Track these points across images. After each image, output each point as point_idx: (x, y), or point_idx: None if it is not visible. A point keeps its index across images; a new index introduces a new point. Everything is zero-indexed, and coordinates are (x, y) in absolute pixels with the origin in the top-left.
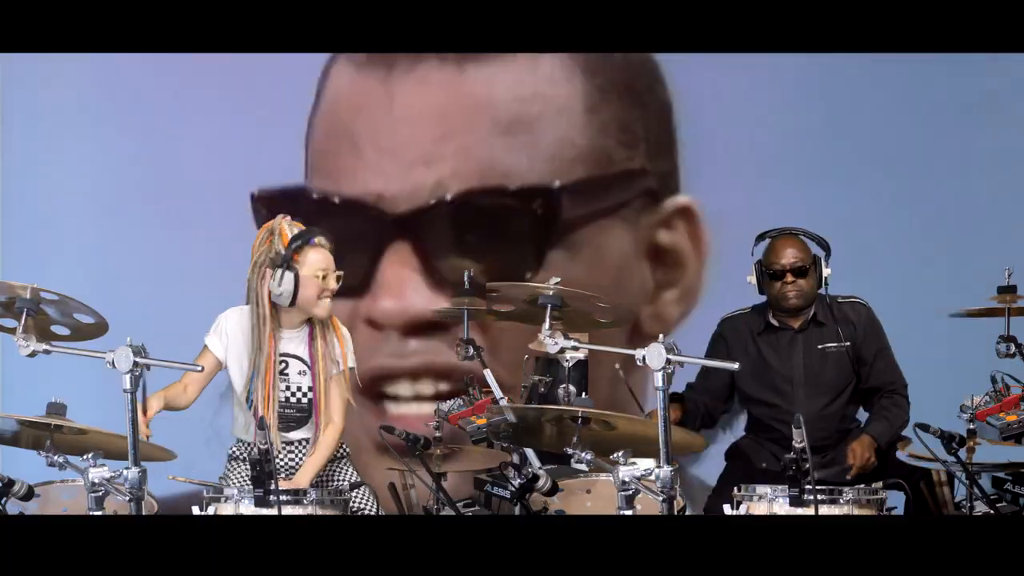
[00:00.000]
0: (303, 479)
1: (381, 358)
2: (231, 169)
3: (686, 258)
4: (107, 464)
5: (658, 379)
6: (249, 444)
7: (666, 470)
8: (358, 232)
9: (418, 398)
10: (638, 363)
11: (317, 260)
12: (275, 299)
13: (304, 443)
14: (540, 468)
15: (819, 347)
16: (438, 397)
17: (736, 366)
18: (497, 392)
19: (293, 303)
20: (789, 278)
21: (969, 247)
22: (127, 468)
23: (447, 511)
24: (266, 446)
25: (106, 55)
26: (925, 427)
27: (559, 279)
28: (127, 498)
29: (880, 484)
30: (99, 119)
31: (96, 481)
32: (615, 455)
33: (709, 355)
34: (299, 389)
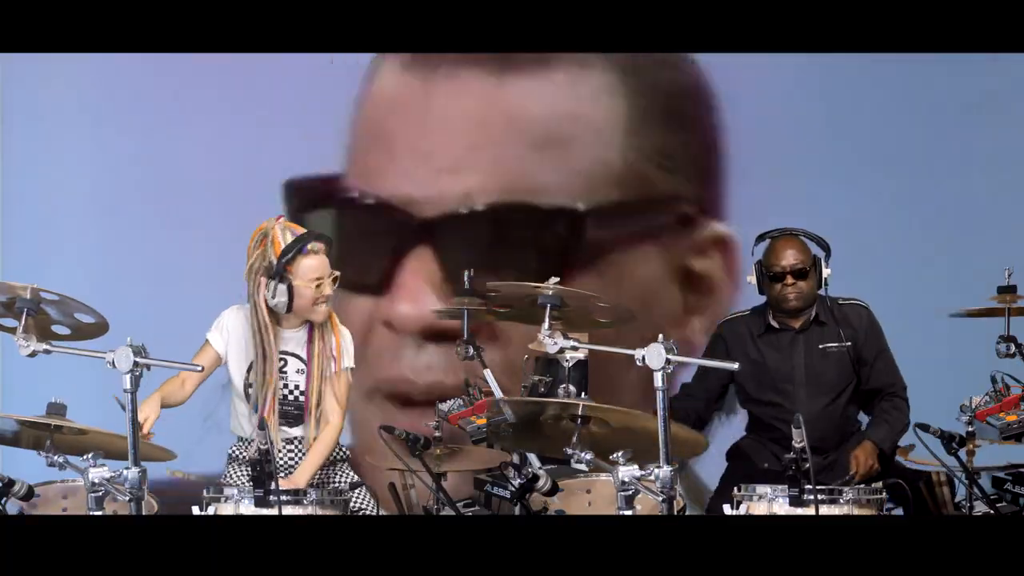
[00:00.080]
0: (301, 478)
1: (400, 367)
2: (231, 169)
3: (718, 286)
4: (107, 464)
5: (658, 379)
6: (248, 442)
7: (666, 470)
8: (383, 231)
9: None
10: (638, 363)
11: (310, 268)
12: (271, 307)
13: (302, 441)
14: (540, 468)
15: (820, 347)
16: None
17: (736, 366)
18: (497, 392)
19: (290, 310)
20: (789, 280)
21: (969, 247)
22: (127, 468)
23: (447, 511)
24: (266, 446)
25: (106, 55)
26: (925, 427)
27: (558, 279)
28: (127, 498)
29: (880, 484)
30: (99, 119)
31: (96, 481)
32: (615, 455)
33: (708, 356)
34: (296, 387)
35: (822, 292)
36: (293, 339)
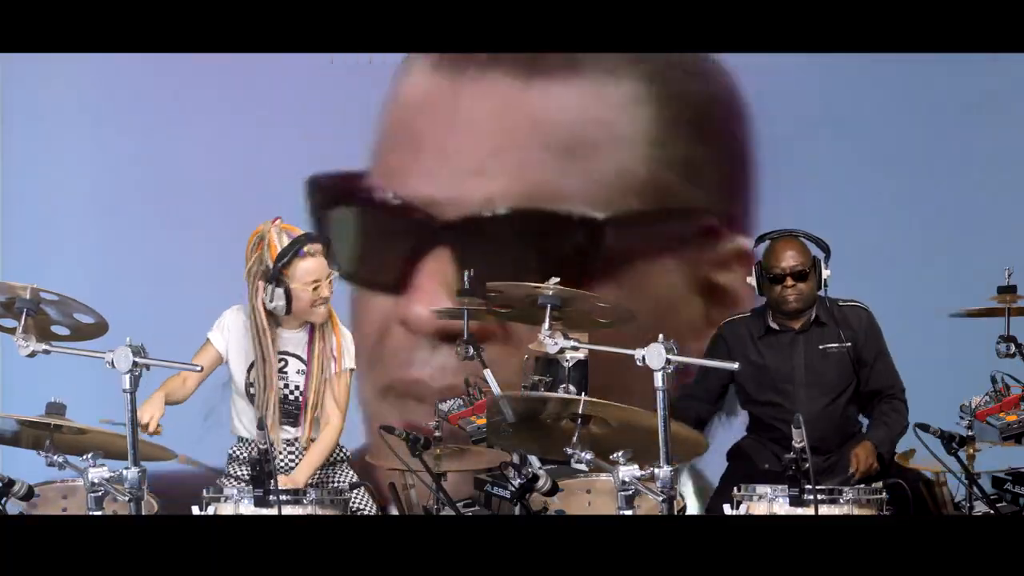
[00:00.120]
0: (299, 478)
1: (414, 368)
2: (231, 169)
3: (742, 300)
4: (107, 464)
5: (658, 379)
6: (249, 442)
7: (666, 470)
8: (403, 231)
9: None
10: (638, 363)
11: (307, 271)
12: (270, 310)
13: (302, 442)
14: (540, 468)
15: (820, 347)
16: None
17: (735, 366)
18: (497, 392)
19: (288, 313)
20: (789, 282)
21: (969, 247)
22: (127, 468)
23: (447, 511)
24: (266, 446)
25: (106, 55)
26: (925, 427)
27: (559, 279)
28: (127, 498)
29: (880, 484)
30: (99, 119)
31: (96, 481)
32: (615, 455)
33: (709, 356)
34: (296, 388)
35: (822, 293)
36: (294, 339)
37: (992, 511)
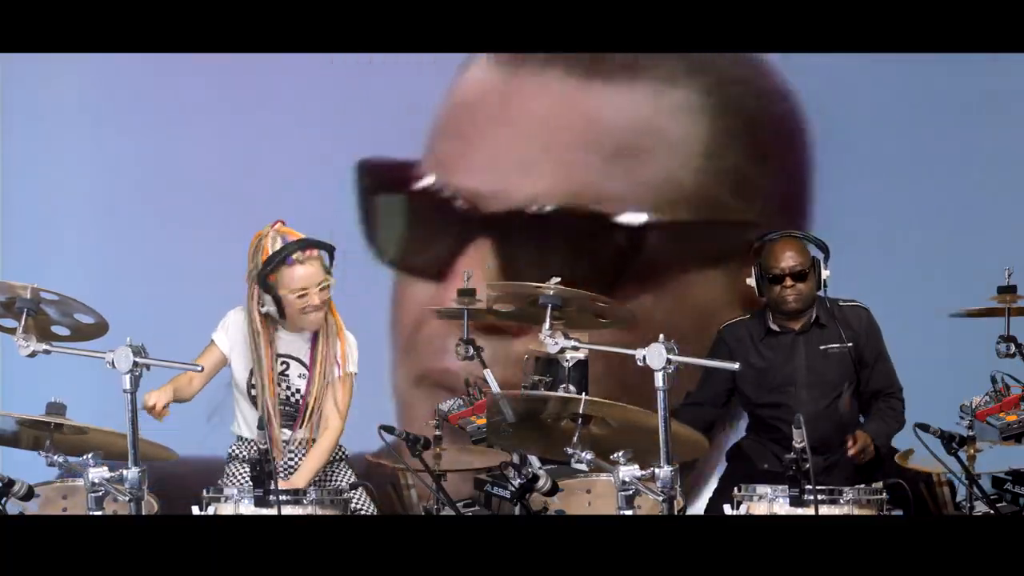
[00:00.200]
0: (300, 481)
1: (447, 357)
2: (231, 169)
3: None
4: (107, 464)
5: (659, 379)
6: (249, 443)
7: (666, 470)
8: (448, 220)
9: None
10: (638, 363)
11: (293, 279)
12: (264, 314)
13: (300, 443)
14: (540, 468)
15: (821, 348)
16: None
17: (736, 366)
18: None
19: (283, 318)
20: (788, 282)
21: (969, 247)
22: (127, 468)
23: (447, 511)
24: (266, 446)
25: (106, 55)
26: (925, 427)
27: (559, 279)
28: (127, 498)
29: (880, 484)
30: (99, 119)
31: (96, 481)
32: (615, 455)
33: (710, 358)
34: (298, 391)
35: (821, 294)
36: (297, 343)
37: (992, 511)
